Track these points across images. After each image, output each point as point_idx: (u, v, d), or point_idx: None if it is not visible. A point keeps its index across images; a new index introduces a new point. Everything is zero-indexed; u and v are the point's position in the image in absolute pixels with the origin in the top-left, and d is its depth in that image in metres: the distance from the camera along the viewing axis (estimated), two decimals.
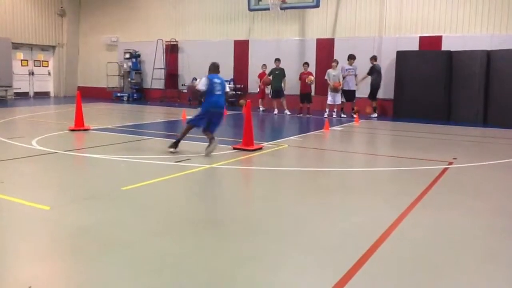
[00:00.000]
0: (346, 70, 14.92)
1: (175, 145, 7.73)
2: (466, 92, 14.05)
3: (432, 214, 4.64)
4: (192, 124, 7.82)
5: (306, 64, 15.69)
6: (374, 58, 15.05)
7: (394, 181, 6.35)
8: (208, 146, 7.54)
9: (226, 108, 8.73)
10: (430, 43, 15.17)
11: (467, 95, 14.02)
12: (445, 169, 6.82)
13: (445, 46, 14.89)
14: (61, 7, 22.66)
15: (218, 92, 7.53)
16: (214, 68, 7.80)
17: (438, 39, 15.10)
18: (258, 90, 16.82)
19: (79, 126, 10.09)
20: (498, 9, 14.29)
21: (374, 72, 14.94)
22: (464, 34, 14.74)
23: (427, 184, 5.81)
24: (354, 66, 14.97)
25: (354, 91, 15.05)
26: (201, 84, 7.60)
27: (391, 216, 4.42)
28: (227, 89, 7.97)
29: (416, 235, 4.02)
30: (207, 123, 7.62)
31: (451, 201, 5.19)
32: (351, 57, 14.98)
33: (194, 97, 11.27)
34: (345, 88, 14.90)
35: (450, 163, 7.27)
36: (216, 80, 7.59)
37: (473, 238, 4.00)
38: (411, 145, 9.67)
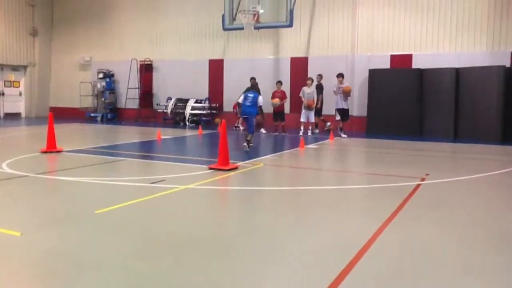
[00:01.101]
0: (339, 88, 14.67)
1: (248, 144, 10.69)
2: (436, 108, 14.40)
3: (407, 230, 4.69)
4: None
5: (279, 82, 15.84)
6: (320, 76, 15.61)
7: (368, 198, 6.40)
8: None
9: (255, 116, 11.24)
10: (401, 61, 15.55)
11: (438, 111, 14.37)
12: (418, 185, 6.92)
13: (415, 64, 15.28)
14: (33, 27, 22.40)
15: (247, 103, 10.68)
16: (251, 86, 12.46)
17: (408, 57, 15.49)
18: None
19: (51, 148, 9.90)
20: (465, 29, 14.78)
21: (323, 90, 15.38)
22: (434, 52, 15.18)
23: (401, 200, 5.88)
24: (346, 83, 14.79)
25: (346, 109, 14.80)
26: (239, 99, 11.16)
27: (366, 233, 4.45)
28: (260, 103, 10.80)
29: (392, 251, 4.05)
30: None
31: (425, 216, 5.26)
32: (340, 75, 14.86)
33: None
34: (338, 106, 14.73)
35: (423, 179, 7.39)
36: (250, 95, 10.86)
37: (448, 252, 4.05)
38: (385, 161, 9.81)
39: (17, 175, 7.33)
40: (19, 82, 22.52)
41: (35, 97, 22.75)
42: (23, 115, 22.62)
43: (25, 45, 22.31)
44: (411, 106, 14.79)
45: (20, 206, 5.71)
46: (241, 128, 16.32)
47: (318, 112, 15.37)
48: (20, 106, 22.63)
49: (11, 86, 22.17)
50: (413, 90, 14.76)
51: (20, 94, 22.58)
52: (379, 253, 3.99)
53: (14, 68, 22.20)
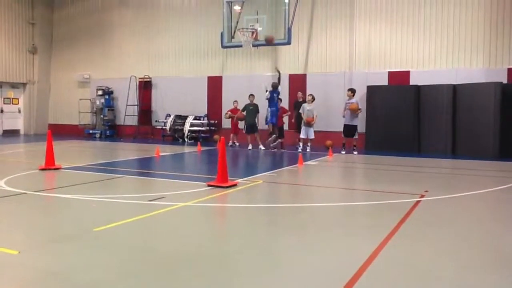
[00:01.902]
0: (347, 103, 14.42)
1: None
2: (434, 125, 14.46)
3: (406, 248, 4.68)
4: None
5: (279, 100, 15.90)
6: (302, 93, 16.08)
7: (367, 216, 6.39)
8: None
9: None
10: (399, 78, 15.66)
11: (436, 127, 14.43)
12: (417, 202, 6.92)
13: (413, 81, 15.39)
14: (33, 44, 22.58)
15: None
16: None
17: (406, 74, 15.61)
18: (231, 125, 16.99)
19: (49, 165, 9.89)
20: (461, 45, 14.94)
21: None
22: (431, 69, 15.30)
23: (400, 218, 5.87)
24: (355, 99, 14.38)
25: (353, 126, 14.34)
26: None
27: (365, 251, 4.43)
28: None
29: (390, 270, 4.03)
30: None
31: (424, 234, 5.25)
32: (350, 90, 14.53)
33: None
34: (345, 122, 14.44)
35: (422, 196, 7.39)
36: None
37: (447, 271, 4.03)
38: (383, 178, 9.81)
39: (15, 193, 7.31)
40: (18, 99, 22.61)
41: (34, 114, 22.82)
42: (22, 132, 22.66)
43: (25, 63, 22.45)
44: (409, 122, 14.85)
45: (18, 224, 5.69)
46: (237, 144, 16.37)
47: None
48: (19, 123, 22.68)
49: (10, 103, 22.27)
50: (411, 107, 14.84)
51: (19, 111, 22.65)
52: (377, 272, 3.97)
53: (14, 85, 22.31)
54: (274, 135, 14.99)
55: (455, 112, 14.21)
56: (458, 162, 12.57)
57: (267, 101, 15.08)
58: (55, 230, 5.34)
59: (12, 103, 22.38)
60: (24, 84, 22.62)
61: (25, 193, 7.33)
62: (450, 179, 10.00)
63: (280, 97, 15.39)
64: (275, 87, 15.02)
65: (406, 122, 14.86)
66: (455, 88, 14.24)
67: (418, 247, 4.74)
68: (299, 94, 16.21)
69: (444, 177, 10.10)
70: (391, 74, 15.84)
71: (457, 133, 14.19)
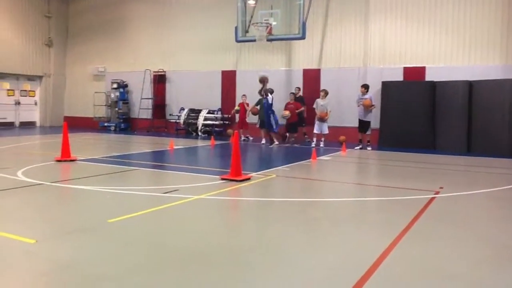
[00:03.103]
0: (360, 99, 14.40)
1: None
2: (449, 121, 14.31)
3: (420, 245, 4.65)
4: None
5: (293, 94, 15.89)
6: (299, 89, 16.41)
7: (381, 212, 6.37)
8: None
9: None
10: (414, 74, 15.51)
11: (451, 124, 14.28)
12: (432, 199, 6.87)
13: (428, 77, 15.24)
14: (49, 37, 22.80)
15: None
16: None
17: (421, 70, 15.46)
18: (238, 119, 17.06)
19: (65, 156, 10.02)
20: (479, 41, 14.73)
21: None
22: (447, 65, 15.12)
23: (414, 214, 5.84)
24: (369, 95, 14.31)
25: (365, 122, 14.39)
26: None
27: (379, 248, 4.42)
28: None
29: (404, 267, 4.02)
30: None
31: (439, 231, 5.22)
32: (364, 86, 14.47)
33: None
34: (359, 118, 14.47)
35: (437, 193, 7.34)
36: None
37: (461, 269, 4.01)
38: (398, 174, 9.76)
39: (32, 183, 7.42)
40: (34, 91, 22.88)
41: (50, 107, 23.10)
42: (38, 124, 22.95)
43: (41, 56, 22.69)
44: (424, 118, 14.72)
45: (34, 214, 5.78)
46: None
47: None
48: (35, 115, 22.97)
49: (26, 96, 22.54)
50: (426, 103, 14.70)
51: (35, 104, 22.93)
52: (391, 269, 3.96)
53: (30, 78, 22.57)
54: (276, 143, 14.79)
55: (471, 109, 14.04)
56: (473, 159, 12.44)
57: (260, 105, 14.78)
58: (70, 220, 5.41)
59: (29, 96, 22.67)
60: (40, 77, 22.88)
61: (42, 183, 7.44)
62: (465, 176, 9.91)
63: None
64: (271, 92, 14.93)
65: (421, 118, 14.72)
66: (471, 85, 14.07)
67: (433, 244, 4.72)
68: (296, 89, 16.42)
69: (459, 174, 10.01)
70: (406, 70, 15.70)
71: (472, 130, 14.03)
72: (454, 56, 15.15)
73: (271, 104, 14.84)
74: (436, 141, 14.66)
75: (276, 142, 15.23)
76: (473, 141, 14.00)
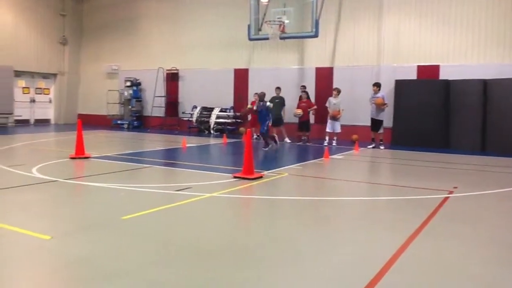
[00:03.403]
0: (372, 97, 14.30)
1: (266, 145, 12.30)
2: (464, 120, 14.17)
3: (433, 245, 4.62)
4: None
5: (305, 92, 15.84)
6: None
7: (394, 211, 6.33)
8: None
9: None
10: (428, 72, 15.36)
11: (465, 123, 14.13)
12: (445, 198, 6.81)
13: (442, 75, 15.08)
14: (63, 36, 23.01)
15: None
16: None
17: (435, 68, 15.30)
18: (250, 118, 17.02)
19: (79, 154, 10.12)
20: (494, 40, 14.53)
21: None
22: (461, 63, 14.94)
23: (427, 214, 5.80)
24: (381, 94, 14.19)
25: (377, 120, 14.24)
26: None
27: (392, 247, 4.40)
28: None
29: (417, 266, 3.99)
30: None
31: (452, 231, 5.17)
32: (376, 85, 14.34)
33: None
34: (370, 116, 14.42)
35: (451, 192, 7.27)
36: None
37: (475, 269, 3.98)
38: (411, 173, 9.69)
39: (47, 180, 7.51)
40: (49, 89, 23.13)
41: (64, 104, 23.32)
42: (52, 121, 23.19)
43: (55, 54, 22.92)
44: (438, 117, 14.58)
45: (50, 210, 5.86)
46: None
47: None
48: (49, 113, 23.22)
49: (41, 93, 22.79)
50: (440, 101, 14.56)
51: (50, 101, 23.17)
52: (404, 268, 3.93)
53: (45, 76, 22.81)
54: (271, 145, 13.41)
55: (486, 108, 13.88)
56: (488, 158, 12.30)
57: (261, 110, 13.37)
58: (85, 217, 5.47)
59: (44, 93, 22.91)
60: (55, 75, 23.11)
61: (57, 180, 7.52)
62: (479, 176, 9.80)
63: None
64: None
65: (434, 117, 14.59)
66: (485, 83, 13.91)
67: (447, 243, 4.68)
68: (301, 88, 16.31)
69: (473, 174, 9.90)
70: (420, 68, 15.55)
71: (487, 129, 13.87)
72: (468, 54, 14.96)
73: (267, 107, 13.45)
74: (450, 140, 14.52)
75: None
76: (488, 140, 13.84)
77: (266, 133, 13.23)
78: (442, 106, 14.54)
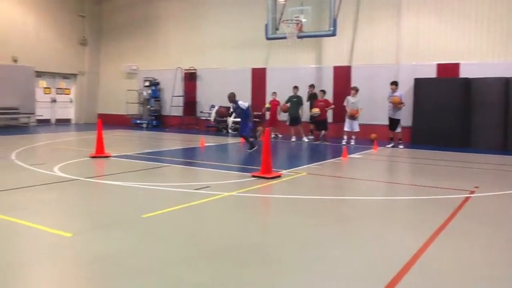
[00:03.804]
0: (390, 96, 14.22)
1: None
2: (484, 119, 13.95)
3: (454, 245, 4.57)
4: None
5: (323, 91, 15.78)
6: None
7: (415, 210, 6.27)
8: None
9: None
10: (448, 70, 15.16)
11: (486, 122, 13.92)
12: (467, 198, 6.72)
13: (462, 73, 14.87)
14: (83, 37, 23.31)
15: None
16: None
17: (455, 66, 15.09)
18: (268, 117, 17.09)
19: (99, 153, 10.24)
20: None
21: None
22: (482, 61, 14.69)
23: (449, 213, 5.73)
24: (399, 93, 14.09)
25: (394, 119, 14.15)
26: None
27: (413, 247, 4.36)
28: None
29: (439, 266, 3.96)
30: None
31: (474, 232, 5.10)
32: (393, 83, 14.27)
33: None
34: (388, 115, 14.34)
35: (472, 192, 7.17)
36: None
37: (496, 270, 3.92)
38: (431, 173, 9.58)
39: (68, 179, 7.63)
40: (69, 89, 23.47)
41: (84, 104, 23.64)
42: (73, 121, 23.52)
43: (76, 55, 23.23)
44: (458, 116, 14.38)
45: (71, 208, 5.95)
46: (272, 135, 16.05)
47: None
48: (70, 113, 23.55)
49: (62, 94, 23.13)
50: (460, 100, 14.36)
51: (71, 101, 23.51)
52: (425, 268, 3.90)
53: (65, 76, 23.14)
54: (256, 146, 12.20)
55: (508, 107, 13.65)
56: (509, 158, 12.09)
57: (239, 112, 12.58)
58: (105, 215, 5.54)
59: (64, 93, 23.26)
60: (75, 75, 23.43)
61: (77, 179, 7.63)
62: (501, 175, 9.64)
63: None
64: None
65: (455, 116, 14.40)
66: (507, 81, 13.68)
67: (468, 244, 4.62)
68: (310, 87, 16.47)
69: (494, 173, 9.75)
70: (440, 67, 15.35)
71: (508, 128, 13.64)
72: (489, 52, 14.71)
73: (247, 109, 12.52)
74: (470, 139, 14.30)
75: (305, 139, 15.30)
76: (510, 139, 13.61)
77: (248, 134, 12.35)
78: (462, 105, 14.35)
